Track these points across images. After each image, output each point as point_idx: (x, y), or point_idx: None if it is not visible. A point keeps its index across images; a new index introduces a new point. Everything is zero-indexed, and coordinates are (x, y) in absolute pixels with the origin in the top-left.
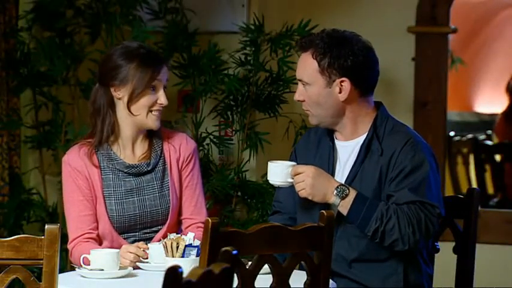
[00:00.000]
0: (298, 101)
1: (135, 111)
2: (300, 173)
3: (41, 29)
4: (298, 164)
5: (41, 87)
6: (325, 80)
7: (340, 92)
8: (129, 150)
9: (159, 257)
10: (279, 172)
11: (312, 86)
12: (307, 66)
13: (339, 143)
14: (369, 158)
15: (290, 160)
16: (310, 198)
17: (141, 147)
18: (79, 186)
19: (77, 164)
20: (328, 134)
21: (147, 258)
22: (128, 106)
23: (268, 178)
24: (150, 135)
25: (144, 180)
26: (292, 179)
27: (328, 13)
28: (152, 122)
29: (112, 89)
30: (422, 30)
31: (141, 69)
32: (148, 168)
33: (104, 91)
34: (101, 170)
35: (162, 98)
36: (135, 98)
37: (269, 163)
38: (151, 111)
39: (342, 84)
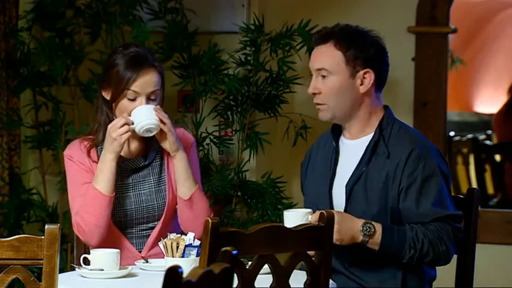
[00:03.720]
0: (313, 94)
1: (117, 115)
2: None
3: (41, 29)
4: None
5: (41, 87)
6: (349, 70)
7: (361, 84)
8: (126, 145)
9: (144, 115)
10: (297, 220)
11: (335, 76)
12: (329, 57)
13: (345, 142)
14: (374, 160)
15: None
16: (338, 243)
17: (137, 143)
18: (86, 171)
19: (79, 157)
20: (336, 133)
21: (133, 124)
22: (111, 107)
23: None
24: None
25: (140, 175)
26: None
27: (328, 13)
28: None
29: (102, 90)
30: (422, 30)
31: (121, 73)
32: (145, 163)
33: (99, 92)
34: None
35: None
36: (114, 101)
37: (285, 212)
38: None
39: (365, 75)
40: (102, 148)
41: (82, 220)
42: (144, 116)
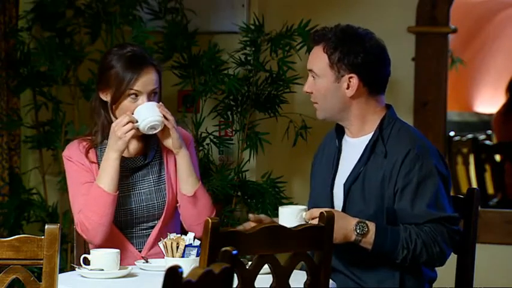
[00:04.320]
0: (307, 92)
1: (118, 115)
2: (316, 217)
3: (41, 29)
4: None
5: (41, 87)
6: (334, 74)
7: (348, 88)
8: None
9: (148, 112)
10: (292, 217)
11: (321, 79)
12: (318, 59)
13: (348, 140)
14: (372, 160)
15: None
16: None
17: (136, 142)
18: (86, 171)
19: (78, 157)
20: (339, 131)
21: (137, 122)
22: (112, 110)
23: (280, 223)
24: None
25: (140, 174)
26: (307, 222)
27: (328, 13)
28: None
29: (100, 92)
30: (422, 30)
31: (121, 74)
32: (144, 162)
33: (96, 94)
34: (99, 164)
35: None
36: (115, 103)
37: (280, 208)
38: None
39: (350, 80)
40: (101, 149)
41: (86, 218)
42: (148, 113)
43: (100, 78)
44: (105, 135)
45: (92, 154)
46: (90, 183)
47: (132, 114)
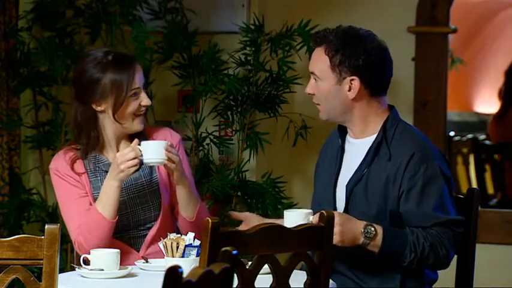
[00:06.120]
0: (309, 94)
1: (121, 120)
2: None
3: (41, 29)
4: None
5: (41, 87)
6: (336, 76)
7: (349, 90)
8: (114, 151)
9: (154, 153)
10: (298, 221)
11: (323, 81)
12: (319, 61)
13: (351, 140)
14: (376, 162)
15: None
16: (340, 244)
17: (125, 145)
18: (75, 185)
19: (65, 169)
20: (342, 132)
21: (141, 155)
22: (114, 117)
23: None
24: (135, 133)
25: (132, 178)
26: None
27: (328, 13)
28: (137, 125)
29: (93, 105)
30: (422, 30)
31: (117, 80)
32: None
33: (84, 109)
34: (88, 174)
35: (144, 100)
36: (119, 108)
37: (285, 212)
38: (136, 115)
39: (352, 82)
40: (88, 157)
41: (85, 241)
42: (154, 154)
43: (90, 93)
44: (95, 144)
45: (79, 165)
46: (82, 197)
47: (139, 144)
